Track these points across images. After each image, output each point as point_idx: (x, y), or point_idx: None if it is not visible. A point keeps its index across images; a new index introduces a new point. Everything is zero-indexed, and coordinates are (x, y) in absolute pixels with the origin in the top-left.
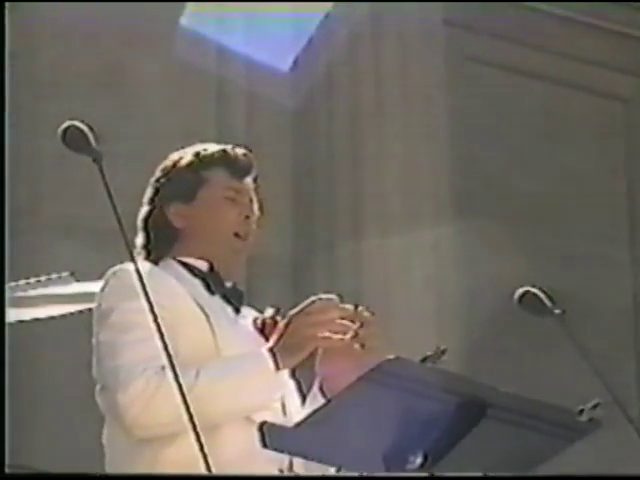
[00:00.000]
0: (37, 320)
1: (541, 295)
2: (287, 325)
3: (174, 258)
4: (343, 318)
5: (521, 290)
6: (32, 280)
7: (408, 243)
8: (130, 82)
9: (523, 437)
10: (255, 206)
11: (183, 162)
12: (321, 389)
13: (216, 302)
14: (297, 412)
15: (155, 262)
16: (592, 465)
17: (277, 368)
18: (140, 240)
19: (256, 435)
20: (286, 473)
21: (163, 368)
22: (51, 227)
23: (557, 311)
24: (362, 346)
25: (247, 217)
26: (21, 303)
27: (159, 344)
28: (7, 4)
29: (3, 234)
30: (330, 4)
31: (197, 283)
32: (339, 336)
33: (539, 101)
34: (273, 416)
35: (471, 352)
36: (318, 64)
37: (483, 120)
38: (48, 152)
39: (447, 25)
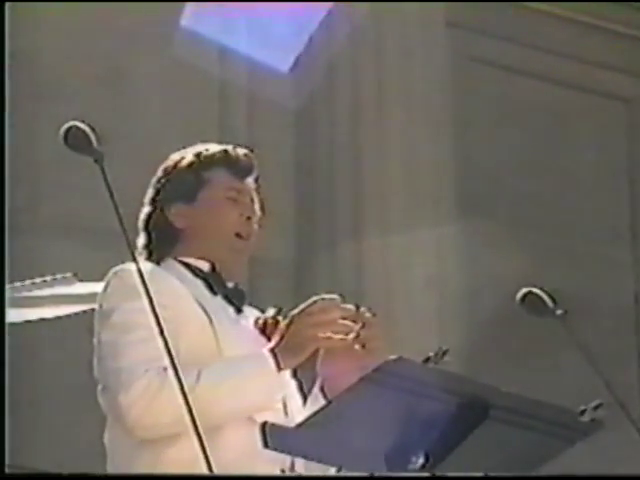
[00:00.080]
0: (39, 320)
1: (543, 295)
2: (289, 325)
3: (176, 258)
4: (345, 318)
5: (523, 290)
6: (36, 280)
7: (409, 243)
8: (131, 82)
9: (525, 437)
10: (256, 206)
11: (184, 163)
12: (322, 389)
13: (218, 302)
14: (298, 412)
15: (157, 262)
16: (593, 465)
17: (279, 369)
18: (141, 241)
19: (258, 435)
20: (288, 473)
21: (165, 369)
22: (51, 227)
23: (559, 311)
24: (363, 347)
25: (249, 218)
26: (24, 303)
27: (161, 344)
28: (7, 4)
29: (3, 234)
30: (331, 4)
31: (199, 283)
32: (340, 336)
33: (540, 101)
34: (274, 416)
35: (473, 352)
36: (319, 64)
37: (485, 120)
38: (48, 152)
39: (448, 25)
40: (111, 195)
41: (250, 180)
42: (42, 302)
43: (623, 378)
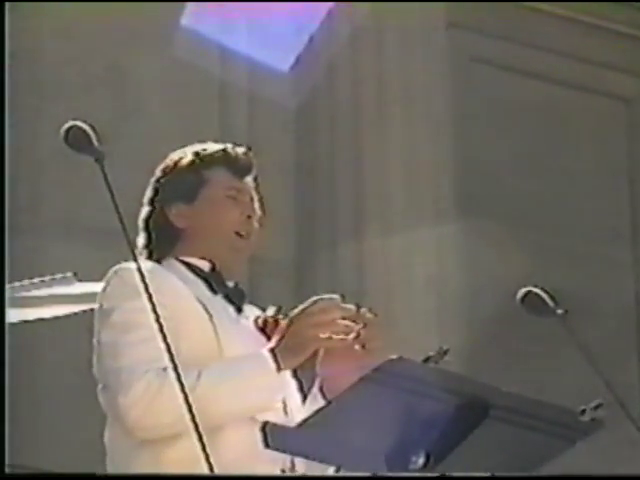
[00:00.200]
0: (41, 320)
1: (543, 295)
2: (289, 325)
3: (176, 258)
4: (345, 319)
5: (523, 290)
6: (36, 280)
7: (410, 243)
8: (131, 82)
9: (525, 437)
10: (256, 205)
11: (183, 162)
12: (321, 390)
13: (218, 302)
14: (298, 411)
15: (157, 262)
16: (593, 465)
17: (279, 369)
18: (141, 241)
19: (258, 435)
20: (288, 473)
21: (165, 369)
22: (51, 227)
23: (559, 311)
24: (363, 347)
25: (249, 216)
26: (24, 303)
27: (161, 344)
28: (7, 4)
29: (3, 234)
30: (331, 4)
31: (199, 283)
32: (341, 337)
33: (541, 101)
34: (274, 416)
35: (473, 352)
36: (319, 64)
37: (485, 120)
38: (48, 152)
39: (448, 25)
40: (111, 195)
41: (249, 179)
42: (41, 302)
43: (623, 378)
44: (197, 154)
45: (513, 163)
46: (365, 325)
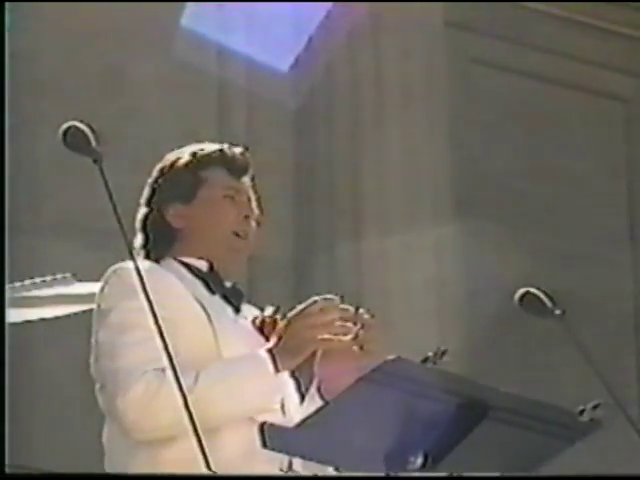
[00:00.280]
0: (40, 320)
1: (541, 295)
2: (287, 326)
3: (174, 258)
4: (343, 319)
5: (521, 290)
6: (36, 280)
7: (408, 243)
8: (130, 82)
9: (524, 438)
10: (254, 205)
11: (180, 162)
12: (319, 390)
13: (216, 302)
14: (296, 411)
15: (156, 262)
16: (592, 465)
17: (277, 370)
18: (139, 241)
19: (256, 435)
20: (286, 473)
21: (163, 370)
22: (51, 227)
23: (557, 311)
24: (361, 348)
25: (246, 216)
26: (23, 303)
27: (159, 345)
28: (7, 4)
29: (3, 234)
30: (330, 4)
31: (197, 283)
32: (339, 338)
33: (539, 101)
34: (272, 416)
35: (471, 353)
36: (318, 64)
37: (483, 120)
38: (48, 152)
39: (447, 25)
40: (110, 195)
41: (246, 179)
42: (41, 302)
43: (622, 378)
44: (194, 154)
45: (511, 163)
46: (363, 326)
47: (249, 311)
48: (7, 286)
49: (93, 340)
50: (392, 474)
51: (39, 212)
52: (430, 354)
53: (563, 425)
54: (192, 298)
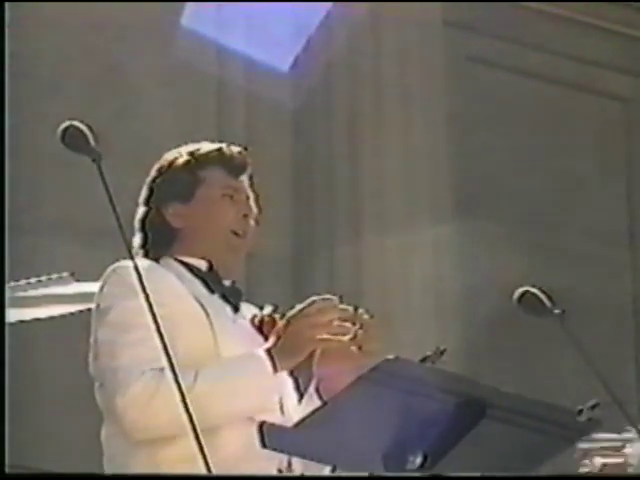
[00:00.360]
0: (37, 320)
1: (540, 295)
2: (286, 326)
3: (173, 257)
4: (342, 319)
5: (520, 290)
6: (32, 280)
7: (407, 243)
8: (130, 82)
9: (523, 437)
10: (252, 203)
11: (179, 162)
12: (317, 390)
13: (215, 301)
14: (295, 411)
15: (155, 261)
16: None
17: (275, 370)
18: (137, 241)
19: (255, 434)
20: (284, 472)
21: (162, 370)
22: (51, 227)
23: (556, 311)
24: (360, 348)
25: (245, 215)
26: (21, 303)
27: (158, 344)
28: (7, 4)
29: (3, 234)
30: (330, 4)
31: (196, 282)
32: (338, 338)
33: (539, 101)
34: (271, 415)
35: (470, 352)
36: (318, 64)
37: (482, 120)
38: (48, 152)
39: (446, 25)
40: (108, 194)
41: (244, 177)
42: (39, 302)
43: (621, 378)
44: (192, 154)
45: (510, 163)
46: (362, 326)
47: (248, 310)
48: (7, 286)
49: (92, 339)
50: (391, 474)
51: (39, 212)
52: (429, 353)
53: (562, 425)
54: (191, 297)
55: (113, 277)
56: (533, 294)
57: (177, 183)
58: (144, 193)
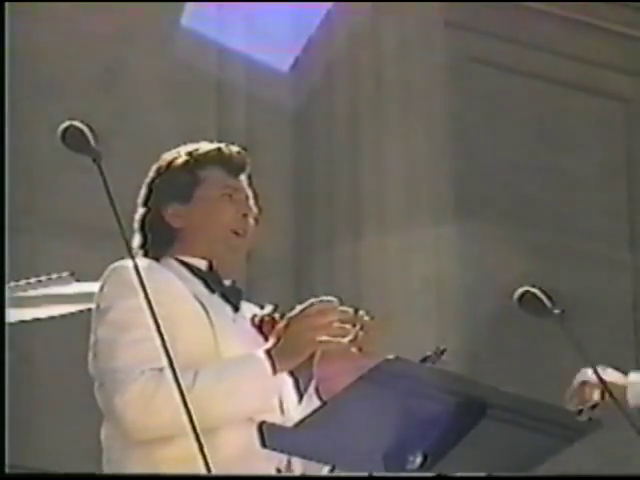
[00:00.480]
0: (37, 320)
1: (541, 295)
2: (285, 327)
3: (173, 257)
4: (342, 321)
5: (521, 290)
6: (32, 280)
7: (408, 243)
8: (130, 82)
9: (523, 437)
10: (251, 203)
11: (178, 162)
12: (317, 390)
13: (216, 301)
14: (295, 411)
15: (155, 260)
16: (591, 465)
17: (274, 371)
18: (137, 241)
19: (254, 434)
20: (284, 472)
21: (161, 370)
22: (51, 227)
23: (557, 311)
24: (360, 350)
25: (245, 215)
26: (21, 303)
27: (158, 344)
28: (7, 4)
29: (3, 234)
30: (330, 4)
31: (197, 281)
32: (337, 339)
33: (539, 101)
34: (271, 415)
35: (470, 352)
36: (318, 64)
37: (483, 120)
38: (48, 152)
39: (447, 25)
40: (109, 194)
41: (244, 177)
42: (39, 302)
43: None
44: (191, 154)
45: (511, 162)
46: (362, 328)
47: (248, 309)
48: (7, 286)
49: (92, 338)
50: (391, 474)
51: (39, 212)
52: (429, 353)
53: (562, 424)
54: (192, 297)
55: (113, 276)
56: (533, 294)
57: (176, 183)
58: (143, 194)
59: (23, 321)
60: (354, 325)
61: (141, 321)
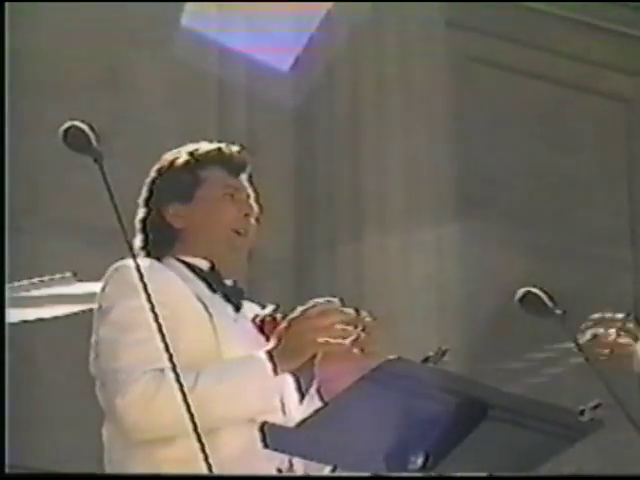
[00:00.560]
0: (40, 320)
1: (542, 295)
2: (287, 328)
3: (175, 257)
4: (343, 322)
5: (522, 290)
6: (35, 280)
7: (409, 243)
8: (131, 82)
9: (524, 437)
10: (252, 202)
11: (178, 162)
12: (318, 391)
13: (217, 300)
14: (296, 411)
15: (157, 260)
16: (593, 465)
17: (276, 372)
18: (138, 242)
19: (255, 434)
20: (285, 472)
21: (162, 370)
22: (51, 227)
23: (558, 311)
24: (362, 351)
25: (246, 214)
26: (24, 303)
27: (159, 345)
28: (7, 4)
29: (3, 234)
30: (330, 4)
31: (198, 282)
32: (339, 341)
33: (540, 101)
34: (272, 415)
35: (472, 352)
36: (319, 64)
37: (484, 120)
38: (48, 152)
39: (448, 25)
40: (110, 194)
41: (244, 176)
42: (41, 302)
43: (622, 378)
44: (192, 154)
45: (512, 163)
46: (364, 329)
47: (250, 308)
48: (7, 286)
49: (94, 338)
50: (392, 474)
51: (39, 212)
52: (431, 354)
53: (563, 425)
54: (194, 296)
55: (115, 276)
56: (535, 294)
57: (177, 184)
58: (144, 194)
59: (25, 321)
60: (355, 326)
61: (143, 321)
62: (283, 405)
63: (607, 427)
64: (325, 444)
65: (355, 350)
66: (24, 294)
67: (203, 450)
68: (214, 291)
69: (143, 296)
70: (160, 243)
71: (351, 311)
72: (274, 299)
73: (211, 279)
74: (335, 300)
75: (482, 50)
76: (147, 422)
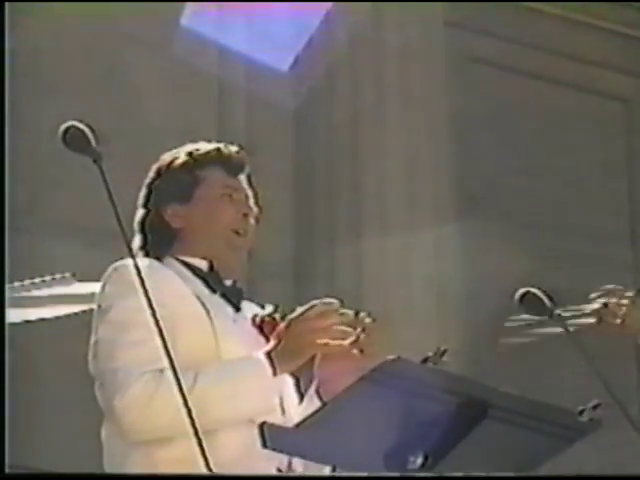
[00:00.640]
0: (40, 320)
1: (541, 295)
2: (286, 329)
3: (174, 257)
4: (343, 323)
5: (522, 290)
6: (35, 280)
7: (409, 243)
8: (130, 82)
9: (524, 437)
10: (251, 202)
11: (177, 163)
12: (317, 392)
13: (216, 300)
14: (295, 411)
15: (157, 259)
16: (593, 465)
17: (274, 373)
18: (137, 242)
19: (254, 435)
20: (285, 473)
21: (161, 371)
22: (51, 227)
23: (558, 311)
24: (361, 351)
25: (245, 214)
26: (24, 303)
27: (158, 345)
28: (7, 4)
29: (3, 234)
30: (330, 4)
31: (198, 282)
32: (338, 342)
33: (539, 101)
34: (272, 415)
35: (471, 352)
36: (318, 64)
37: (483, 120)
38: (48, 152)
39: (448, 25)
40: (109, 194)
41: (243, 176)
42: (41, 302)
43: (622, 378)
44: (190, 154)
45: (512, 163)
46: (364, 330)
47: (249, 309)
48: (7, 286)
49: (93, 338)
50: (392, 474)
51: (39, 212)
52: (430, 354)
53: (563, 425)
54: (193, 297)
55: (114, 276)
56: (534, 294)
57: (176, 184)
58: (143, 194)
59: (25, 321)
60: (355, 327)
61: (142, 321)
62: (282, 405)
63: (607, 427)
64: (324, 444)
65: (354, 351)
66: (24, 294)
67: (202, 450)
68: (213, 291)
69: (142, 296)
70: (159, 243)
71: (350, 312)
72: (273, 300)
73: (210, 279)
74: (334, 301)
75: (482, 50)
76: (146, 422)
